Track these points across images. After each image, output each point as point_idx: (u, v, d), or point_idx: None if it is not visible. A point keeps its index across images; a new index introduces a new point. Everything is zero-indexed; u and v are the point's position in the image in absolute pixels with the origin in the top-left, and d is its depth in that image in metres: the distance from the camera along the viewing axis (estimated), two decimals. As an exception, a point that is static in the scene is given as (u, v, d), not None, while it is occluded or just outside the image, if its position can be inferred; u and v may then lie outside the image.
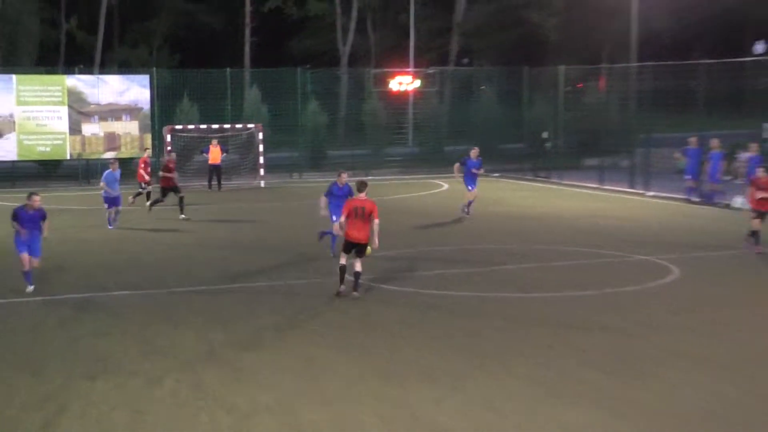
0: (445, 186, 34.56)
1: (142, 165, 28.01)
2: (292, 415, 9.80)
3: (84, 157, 36.77)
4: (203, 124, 36.77)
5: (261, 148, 36.36)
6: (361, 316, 14.22)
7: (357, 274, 15.25)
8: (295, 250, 20.20)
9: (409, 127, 45.29)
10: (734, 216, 25.29)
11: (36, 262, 15.95)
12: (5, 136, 35.54)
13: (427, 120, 43.16)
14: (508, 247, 20.73)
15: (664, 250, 19.84)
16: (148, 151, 31.77)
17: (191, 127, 36.44)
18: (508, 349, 12.31)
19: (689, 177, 29.01)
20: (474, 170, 25.38)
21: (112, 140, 36.63)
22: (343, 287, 15.28)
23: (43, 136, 35.96)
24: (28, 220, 15.69)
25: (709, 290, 16.15)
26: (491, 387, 10.69)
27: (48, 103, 35.90)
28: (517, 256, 19.43)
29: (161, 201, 26.13)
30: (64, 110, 36.02)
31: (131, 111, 37.03)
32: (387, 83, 45.61)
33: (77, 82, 36.86)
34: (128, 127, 36.85)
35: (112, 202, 23.62)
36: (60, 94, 36.09)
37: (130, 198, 26.85)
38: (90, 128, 36.44)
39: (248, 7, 61.76)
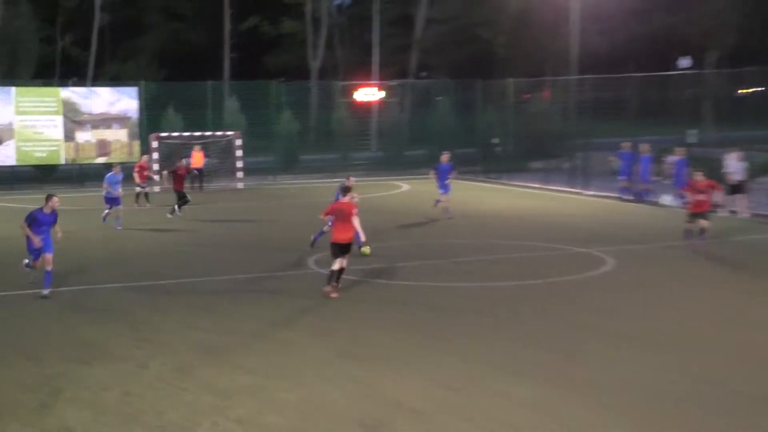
0: (405, 187, 34.68)
1: (137, 169, 28.29)
2: (268, 394, 9.81)
3: (77, 162, 36.52)
4: (186, 131, 36.56)
5: (239, 153, 36.23)
6: (331, 304, 14.21)
7: (341, 271, 14.81)
8: (273, 246, 20.17)
9: (373, 133, 45.28)
10: (662, 212, 25.62)
11: (49, 257, 14.70)
12: (5, 143, 35.16)
13: (389, 127, 43.26)
14: (462, 241, 20.81)
15: (601, 243, 20.02)
16: (145, 156, 31.58)
17: (176, 134, 36.18)
18: (461, 332, 12.35)
19: (623, 177, 29.23)
20: (447, 176, 24.51)
21: (103, 147, 36.34)
22: (329, 287, 14.57)
23: (40, 143, 35.60)
24: (45, 222, 14.72)
25: (641, 277, 16.31)
26: (442, 365, 10.74)
27: (44, 113, 35.53)
28: (470, 249, 19.51)
29: (188, 201, 25.69)
30: (59, 119, 35.66)
31: (121, 120, 36.71)
32: (353, 94, 45.53)
33: (71, 93, 36.52)
34: (118, 135, 36.54)
35: (112, 202, 23.53)
36: (56, 104, 35.74)
37: (136, 206, 27.32)
38: (83, 136, 36.09)
39: (228, 26, 62.24)
